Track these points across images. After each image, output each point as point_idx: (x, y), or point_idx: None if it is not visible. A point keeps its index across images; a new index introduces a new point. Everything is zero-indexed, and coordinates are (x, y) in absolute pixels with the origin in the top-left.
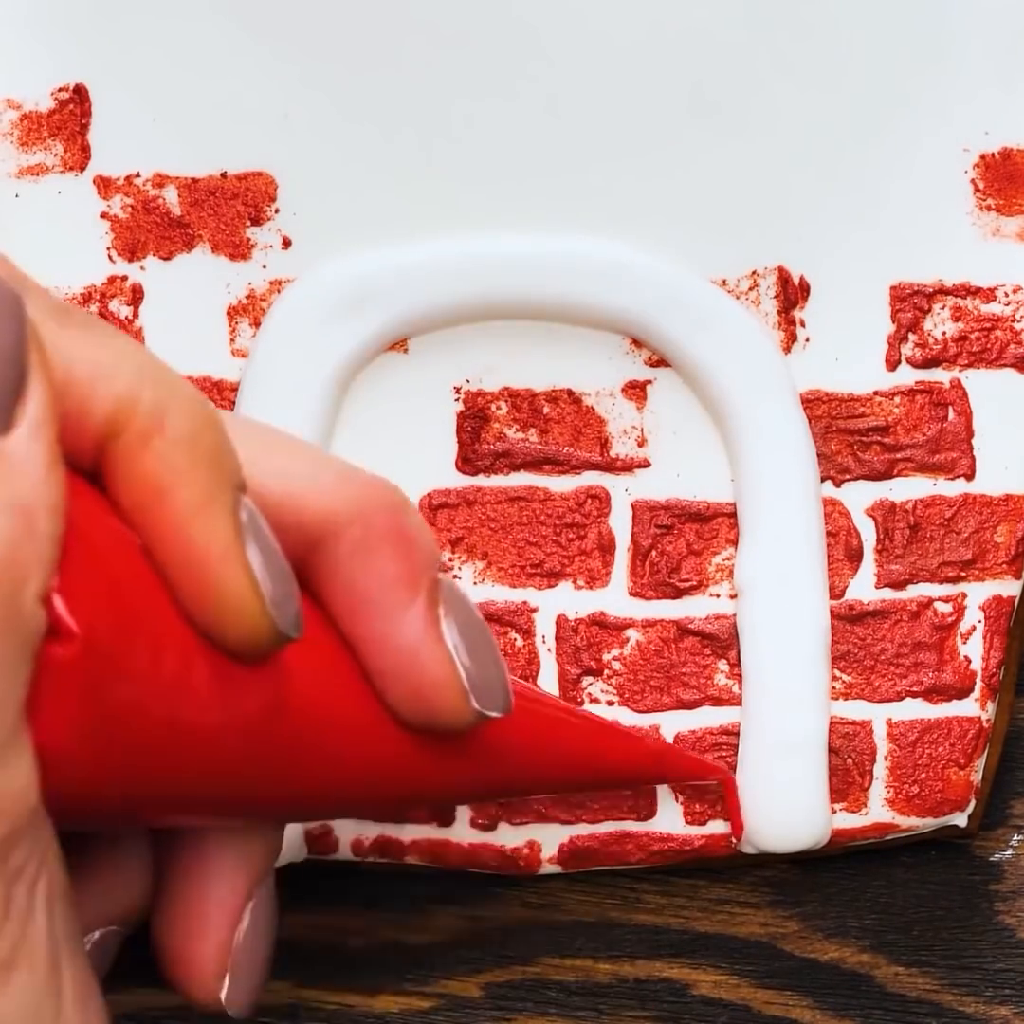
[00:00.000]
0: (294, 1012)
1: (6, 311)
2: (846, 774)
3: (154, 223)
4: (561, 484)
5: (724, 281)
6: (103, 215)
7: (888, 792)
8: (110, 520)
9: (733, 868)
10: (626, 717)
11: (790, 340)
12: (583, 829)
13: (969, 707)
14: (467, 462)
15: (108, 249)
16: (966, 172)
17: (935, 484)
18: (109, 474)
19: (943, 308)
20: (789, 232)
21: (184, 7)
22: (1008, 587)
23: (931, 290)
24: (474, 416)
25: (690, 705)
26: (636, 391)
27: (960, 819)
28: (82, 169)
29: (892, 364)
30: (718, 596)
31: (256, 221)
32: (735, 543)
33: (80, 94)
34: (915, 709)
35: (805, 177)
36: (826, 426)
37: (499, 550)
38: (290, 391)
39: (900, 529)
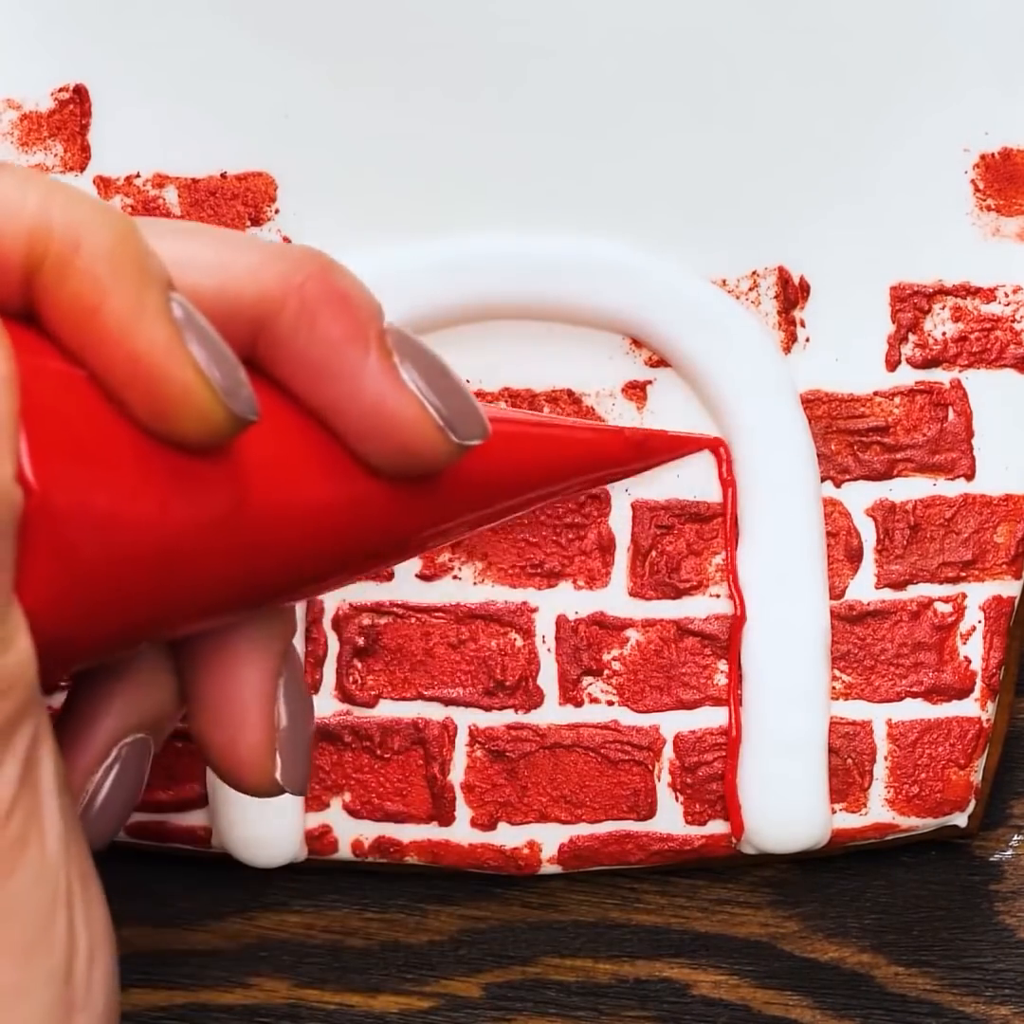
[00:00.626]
0: (294, 1012)
1: None
2: (846, 774)
3: None
4: None
5: (724, 281)
6: None
7: (888, 792)
8: (50, 359)
9: (733, 868)
10: (626, 717)
11: (790, 340)
12: (583, 829)
13: (969, 707)
14: None
15: None
16: (966, 172)
17: (935, 484)
18: (40, 308)
19: (943, 308)
20: (789, 232)
21: (184, 7)
22: (1008, 587)
23: (931, 290)
24: None
25: (690, 705)
26: (636, 391)
27: (960, 819)
28: (82, 169)
29: (892, 364)
30: (718, 596)
31: (256, 221)
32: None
33: (80, 94)
34: (915, 709)
35: (805, 177)
36: (826, 426)
37: (499, 550)
38: None
39: (900, 529)
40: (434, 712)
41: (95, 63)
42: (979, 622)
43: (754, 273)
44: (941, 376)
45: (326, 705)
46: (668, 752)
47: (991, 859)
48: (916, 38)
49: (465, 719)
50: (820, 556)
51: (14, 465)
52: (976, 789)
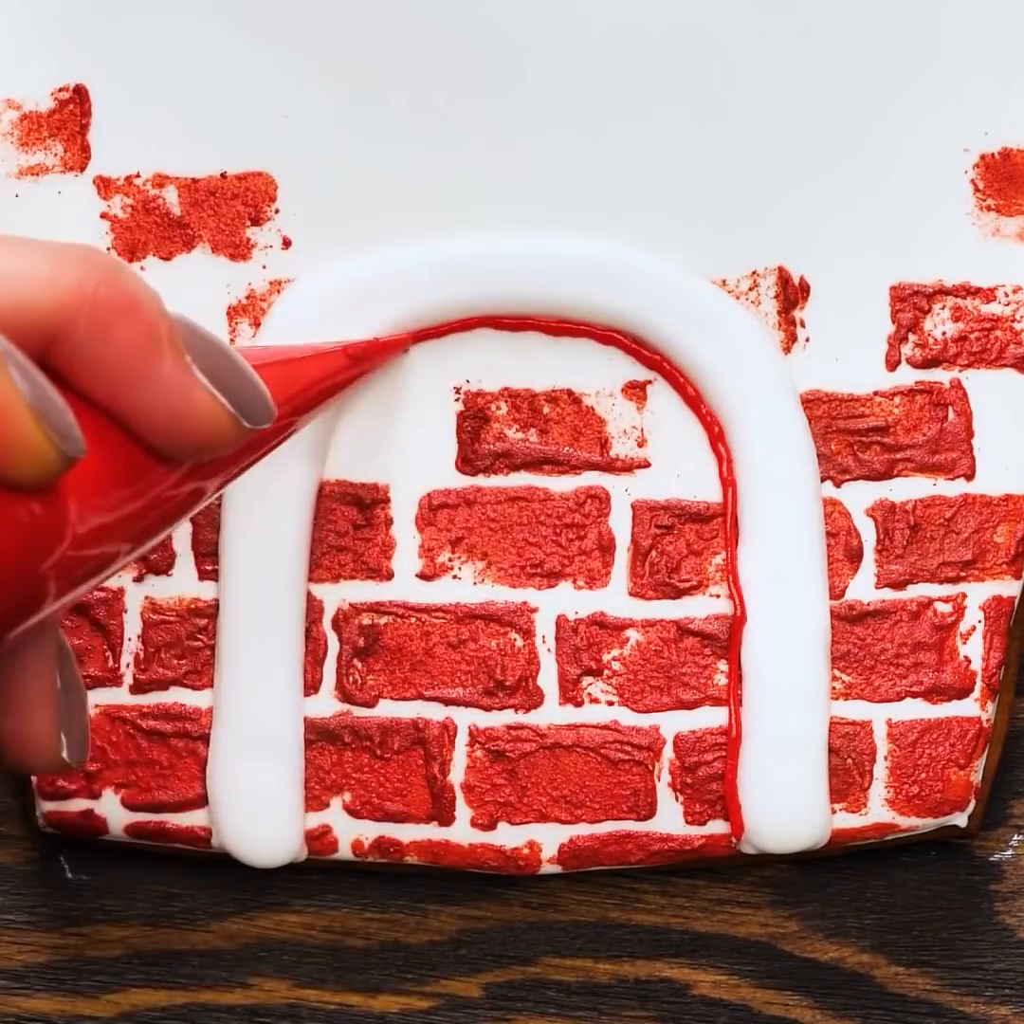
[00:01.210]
0: (294, 1012)
1: None
2: (846, 774)
3: (154, 223)
4: (561, 484)
5: (724, 281)
6: (103, 215)
7: (888, 792)
8: None
9: (733, 868)
10: (626, 717)
11: (790, 340)
12: (583, 829)
13: (969, 707)
14: (467, 462)
15: (108, 249)
16: (966, 172)
17: (935, 484)
18: None
19: (943, 308)
20: (789, 232)
21: (184, 8)
22: (1008, 587)
23: (931, 290)
24: (474, 416)
25: (690, 705)
26: (636, 391)
27: (960, 819)
28: (82, 169)
29: (892, 364)
30: (718, 596)
31: (256, 221)
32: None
33: (80, 94)
34: (915, 709)
35: (805, 177)
36: (826, 426)
37: (499, 550)
38: None
39: (900, 529)
40: (434, 712)
41: (95, 63)
42: (979, 622)
43: (754, 273)
44: (941, 376)
45: (326, 705)
46: (668, 752)
47: (991, 859)
48: (916, 38)
49: (465, 719)
50: (820, 556)
51: None
52: (976, 789)
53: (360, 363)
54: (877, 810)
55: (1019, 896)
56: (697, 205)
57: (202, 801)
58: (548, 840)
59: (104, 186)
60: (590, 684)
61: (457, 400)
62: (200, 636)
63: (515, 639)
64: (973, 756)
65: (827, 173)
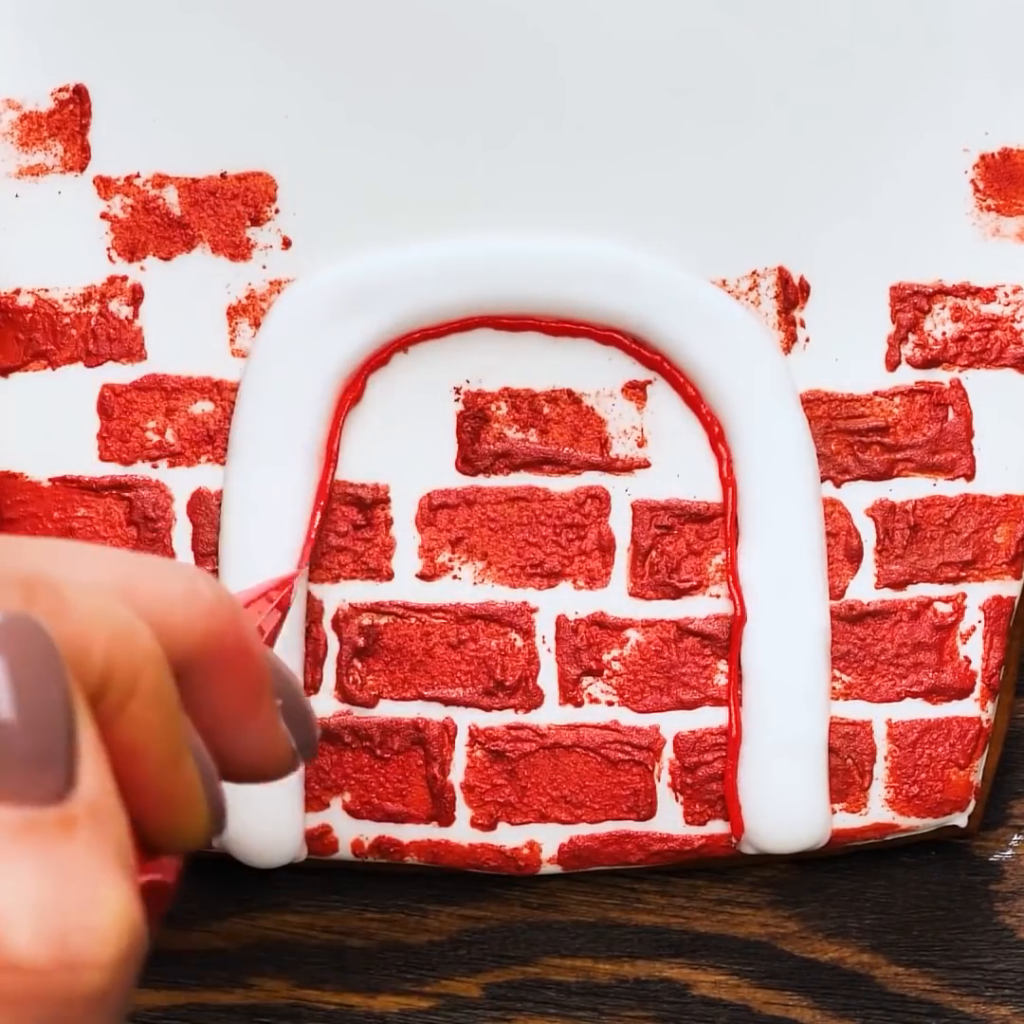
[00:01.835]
0: (294, 1012)
1: (50, 670)
2: (846, 774)
3: (154, 223)
4: (561, 484)
5: (724, 281)
6: (103, 215)
7: (888, 792)
8: None
9: (733, 868)
10: (626, 717)
11: (790, 340)
12: (583, 829)
13: (969, 707)
14: (467, 462)
15: (108, 249)
16: (966, 172)
17: (935, 484)
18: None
19: (943, 308)
20: (789, 232)
21: (184, 8)
22: (1008, 587)
23: (931, 290)
24: (474, 416)
25: (690, 705)
26: (636, 391)
27: (960, 819)
28: (82, 169)
29: (892, 364)
30: (718, 596)
31: (256, 221)
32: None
33: (80, 94)
34: (915, 709)
35: (805, 178)
36: (826, 426)
37: (499, 550)
38: (290, 391)
39: (900, 529)
40: (434, 712)
41: (95, 63)
42: (979, 622)
43: (754, 273)
44: (941, 376)
45: (326, 705)
46: (668, 752)
47: (991, 859)
48: (916, 39)
49: (465, 719)
50: (820, 556)
51: None
52: (976, 789)
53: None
54: (877, 810)
55: (1019, 896)
56: (697, 205)
57: None
58: (548, 840)
59: (104, 186)
60: (590, 684)
61: (457, 400)
62: None
63: (515, 639)
64: (973, 756)
65: (827, 173)
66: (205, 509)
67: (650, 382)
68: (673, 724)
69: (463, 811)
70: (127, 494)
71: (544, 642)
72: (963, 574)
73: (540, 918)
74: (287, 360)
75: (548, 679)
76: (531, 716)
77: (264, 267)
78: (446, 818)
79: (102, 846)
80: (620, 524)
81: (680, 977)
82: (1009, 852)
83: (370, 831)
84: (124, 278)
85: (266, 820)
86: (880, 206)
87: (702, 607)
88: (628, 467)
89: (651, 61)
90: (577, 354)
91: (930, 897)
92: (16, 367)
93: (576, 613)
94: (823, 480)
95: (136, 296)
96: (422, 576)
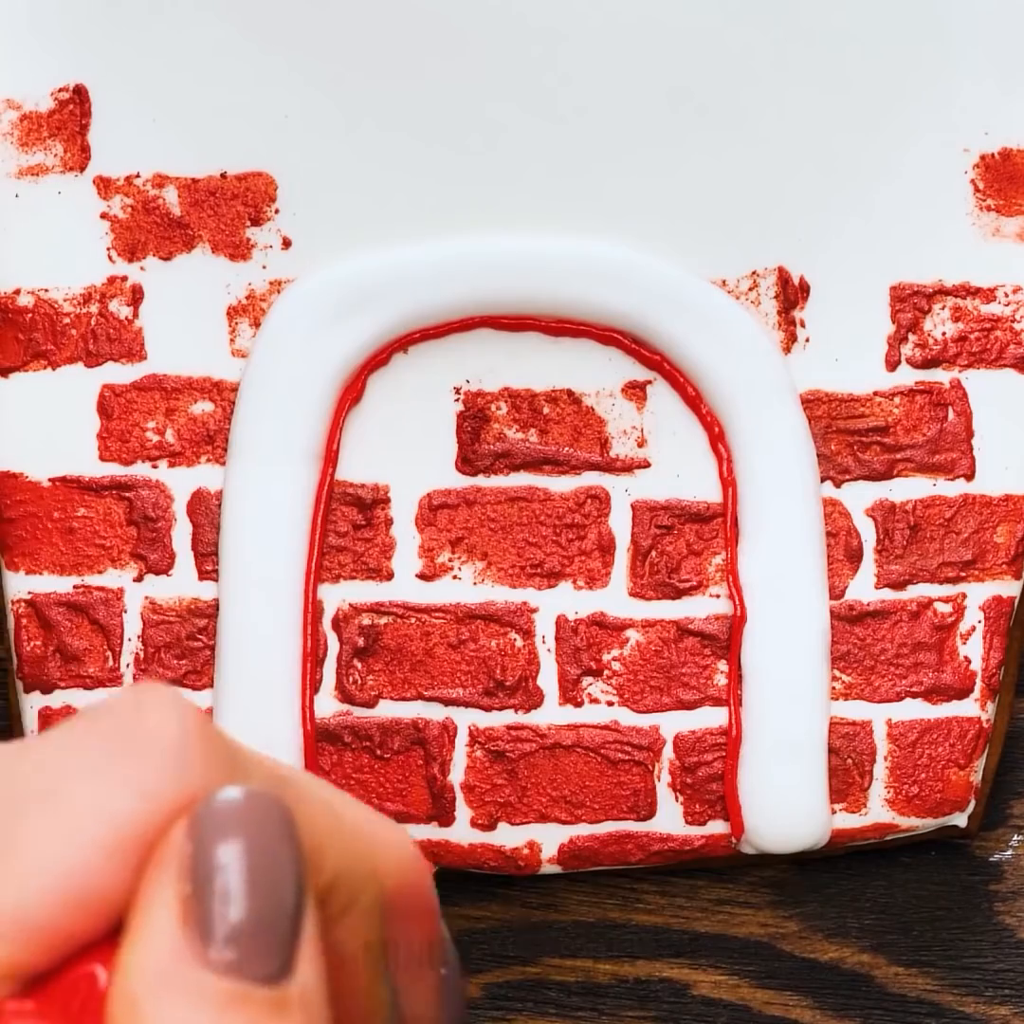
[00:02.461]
0: None
1: (289, 849)
2: (846, 774)
3: (154, 223)
4: (561, 484)
5: (724, 281)
6: (103, 215)
7: (888, 792)
8: None
9: (733, 868)
10: (626, 717)
11: (790, 340)
12: (583, 829)
13: (969, 707)
14: (467, 462)
15: (108, 249)
16: (966, 172)
17: (935, 484)
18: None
19: (943, 308)
20: (789, 232)
21: (184, 8)
22: (1008, 587)
23: (931, 290)
24: (474, 416)
25: (690, 705)
26: (636, 391)
27: (960, 819)
28: (82, 169)
29: (892, 364)
30: (718, 596)
31: (256, 221)
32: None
33: (80, 94)
34: (915, 709)
35: (805, 177)
36: (826, 426)
37: (499, 550)
38: (290, 391)
39: (900, 529)
40: (434, 712)
41: (95, 63)
42: (979, 622)
43: (754, 273)
44: (941, 376)
45: (326, 705)
46: (668, 752)
47: (991, 859)
48: (916, 39)
49: (465, 719)
50: (820, 556)
51: None
52: (976, 789)
53: None
54: (877, 810)
55: (1019, 896)
56: (697, 205)
57: None
58: (548, 840)
59: (104, 186)
60: (590, 684)
61: (457, 400)
62: (200, 636)
63: (515, 639)
64: (973, 756)
65: (827, 173)
66: (205, 509)
67: (650, 382)
68: (673, 724)
69: (463, 811)
70: (127, 494)
71: (544, 642)
72: (963, 574)
73: (540, 918)
74: (287, 360)
75: (548, 679)
76: (531, 716)
77: (264, 267)
78: (446, 818)
79: None
80: (620, 524)
81: (680, 977)
82: (1009, 852)
83: None
84: (124, 278)
85: None
86: (880, 206)
87: (702, 607)
88: (628, 467)
89: (651, 62)
90: (577, 354)
91: (930, 897)
92: (16, 367)
93: (576, 613)
94: (823, 480)
95: (136, 296)
96: (422, 576)
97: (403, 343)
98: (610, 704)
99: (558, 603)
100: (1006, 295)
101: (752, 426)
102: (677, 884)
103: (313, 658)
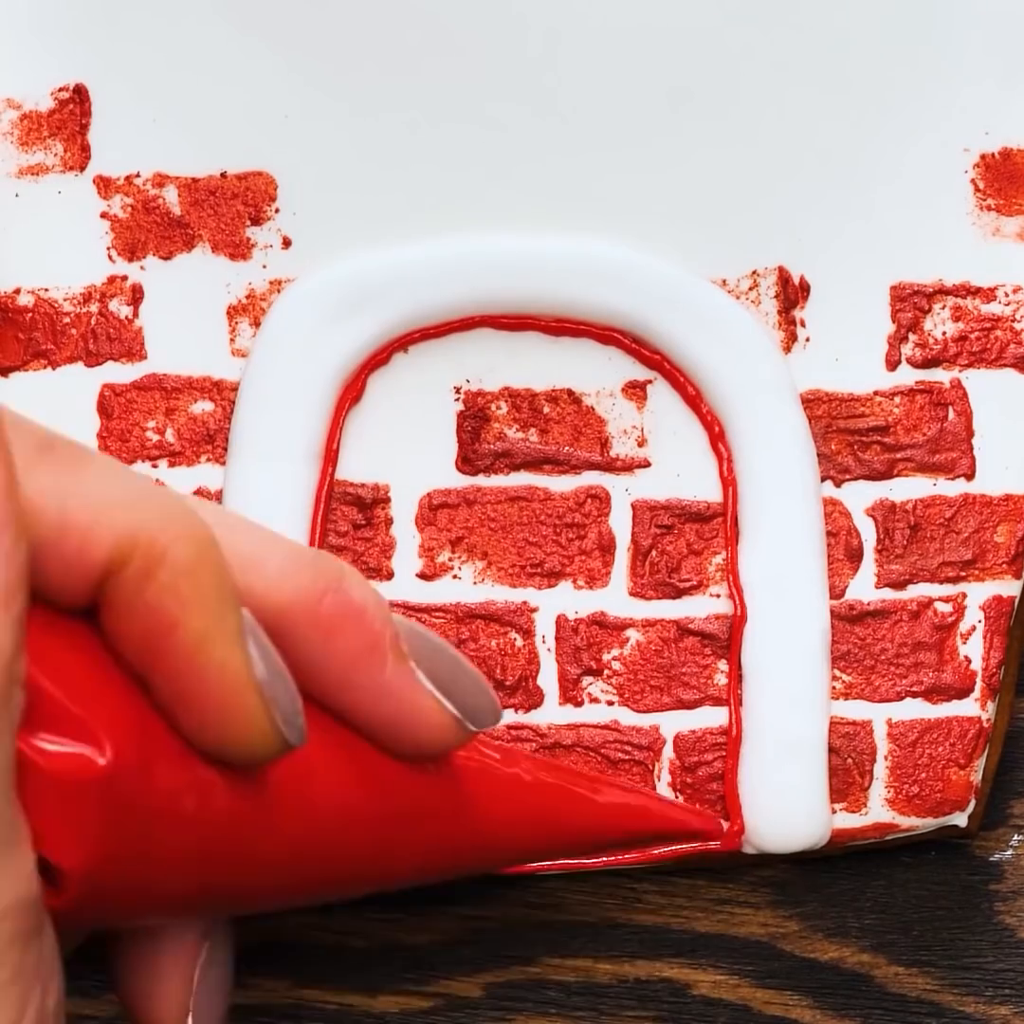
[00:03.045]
0: (295, 1012)
1: None
2: (846, 774)
3: (154, 223)
4: (561, 484)
5: (724, 281)
6: (103, 215)
7: (888, 792)
8: (101, 654)
9: (733, 868)
10: (626, 717)
11: (790, 340)
12: None
13: (969, 707)
14: (467, 462)
15: (108, 249)
16: (966, 172)
17: (935, 484)
18: (109, 609)
19: (943, 308)
20: (789, 232)
21: (184, 7)
22: (1008, 587)
23: (931, 290)
24: (474, 416)
25: (690, 705)
26: (636, 391)
27: (960, 819)
28: (82, 169)
29: (892, 364)
30: (718, 596)
31: (256, 221)
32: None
33: (80, 94)
34: (915, 709)
35: (805, 177)
36: (826, 426)
37: (499, 550)
38: (290, 391)
39: (900, 529)
40: None
41: (95, 63)
42: (979, 622)
43: (754, 273)
44: (941, 376)
45: None
46: (668, 752)
47: (991, 859)
48: (916, 38)
49: None
50: (820, 556)
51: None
52: (976, 789)
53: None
54: (877, 810)
55: (1019, 896)
56: (697, 205)
57: None
58: None
59: (104, 186)
60: (590, 684)
61: (457, 400)
62: None
63: (515, 639)
64: (973, 756)
65: (827, 173)
66: None
67: (650, 382)
68: (673, 724)
69: None
70: None
71: (544, 642)
72: (963, 574)
73: (540, 918)
74: (287, 360)
75: (548, 679)
76: (531, 716)
77: (264, 267)
78: None
79: None
80: (620, 524)
81: (680, 977)
82: (1009, 852)
83: None
84: (124, 278)
85: None
86: (880, 206)
87: (702, 607)
88: (628, 467)
89: (651, 60)
90: (577, 354)
91: (930, 897)
92: (16, 367)
93: (576, 613)
94: (823, 480)
95: (136, 296)
96: (422, 576)
97: (403, 343)
98: (610, 704)
99: (558, 603)
100: (1006, 295)
101: (752, 426)
102: (677, 884)
103: None
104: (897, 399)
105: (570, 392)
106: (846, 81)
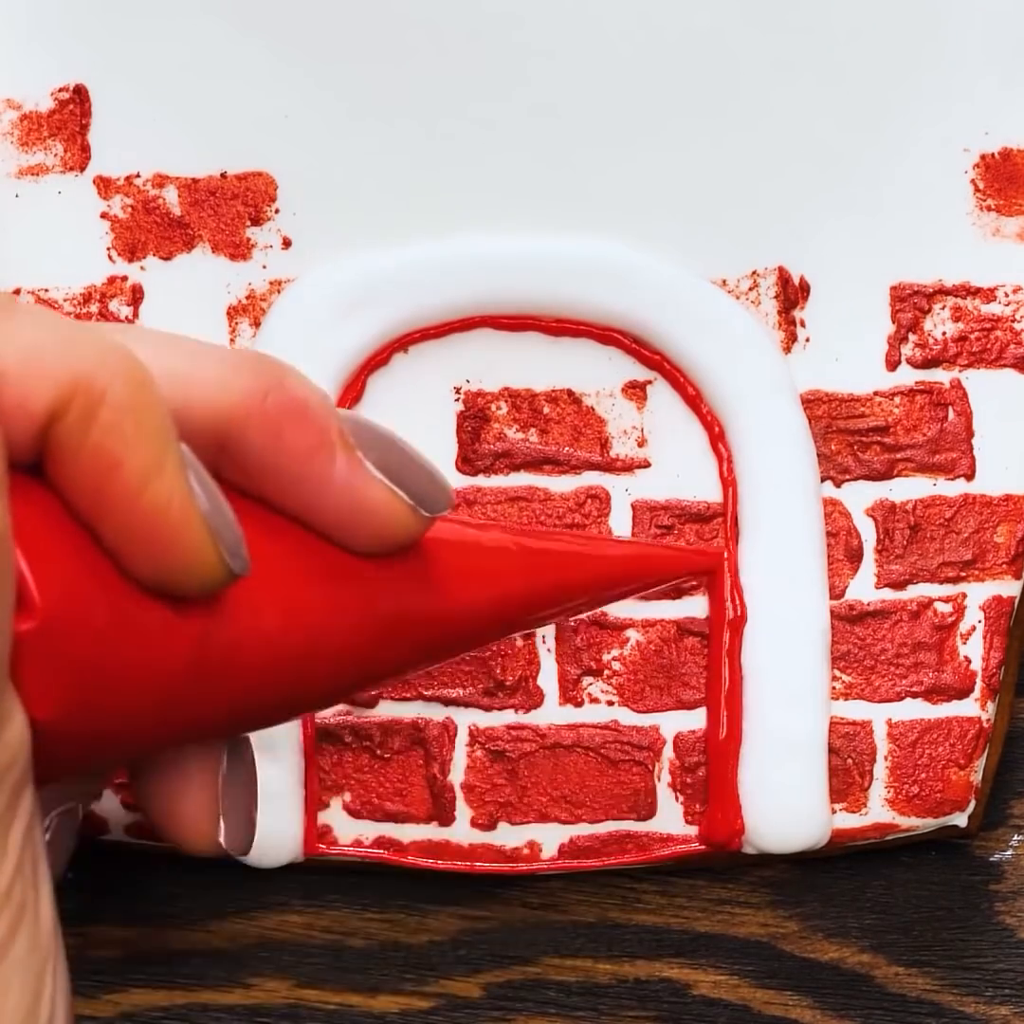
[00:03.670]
0: (294, 1012)
1: None
2: (846, 774)
3: (154, 223)
4: (561, 484)
5: (724, 281)
6: (103, 215)
7: (888, 792)
8: (53, 504)
9: (733, 868)
10: (626, 717)
11: (790, 340)
12: (583, 829)
13: (969, 707)
14: (467, 462)
15: (108, 249)
16: (966, 172)
17: (935, 484)
18: (53, 457)
19: (943, 308)
20: (789, 232)
21: (184, 7)
22: (1008, 587)
23: (931, 290)
24: (474, 416)
25: (690, 705)
26: (636, 391)
27: (960, 819)
28: (82, 169)
29: (892, 364)
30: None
31: (256, 221)
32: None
33: (80, 94)
34: (915, 709)
35: (805, 177)
36: (826, 426)
37: None
38: None
39: (900, 529)
40: (434, 712)
41: (95, 63)
42: (979, 622)
43: (754, 273)
44: (941, 376)
45: None
46: (668, 752)
47: (991, 859)
48: (916, 39)
49: (465, 719)
50: (820, 556)
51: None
52: (976, 789)
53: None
54: (877, 810)
55: (1019, 896)
56: (697, 205)
57: None
58: (548, 840)
59: (104, 186)
60: (590, 684)
61: (457, 400)
62: None
63: (515, 639)
64: (973, 756)
65: (827, 173)
66: None
67: (650, 382)
68: (673, 724)
69: (463, 811)
70: None
71: (544, 642)
72: (963, 574)
73: (540, 918)
74: (287, 360)
75: (548, 679)
76: (531, 716)
77: (264, 267)
78: (446, 818)
79: None
80: (620, 524)
81: (680, 977)
82: (1009, 852)
83: (370, 831)
84: (124, 278)
85: (266, 820)
86: (880, 206)
87: (702, 607)
88: (628, 467)
89: (650, 60)
90: (577, 354)
91: (930, 897)
92: None
93: None
94: (823, 480)
95: (136, 296)
96: None
97: (403, 343)
98: (610, 704)
99: None
100: (1006, 295)
101: (752, 426)
102: (677, 884)
103: None
104: (897, 399)
105: (570, 392)
106: (846, 81)
